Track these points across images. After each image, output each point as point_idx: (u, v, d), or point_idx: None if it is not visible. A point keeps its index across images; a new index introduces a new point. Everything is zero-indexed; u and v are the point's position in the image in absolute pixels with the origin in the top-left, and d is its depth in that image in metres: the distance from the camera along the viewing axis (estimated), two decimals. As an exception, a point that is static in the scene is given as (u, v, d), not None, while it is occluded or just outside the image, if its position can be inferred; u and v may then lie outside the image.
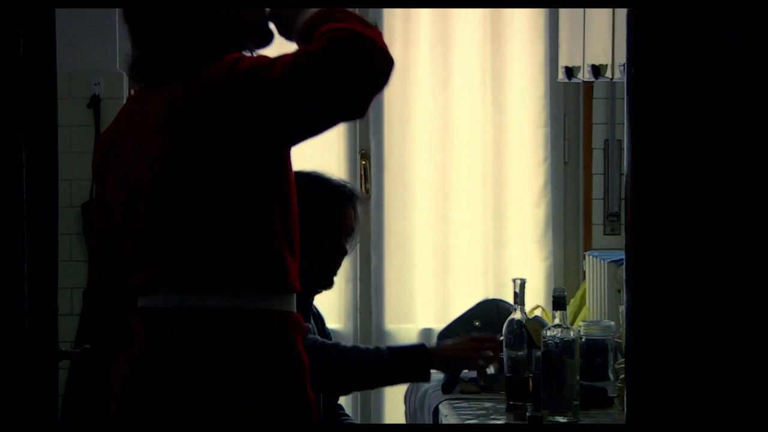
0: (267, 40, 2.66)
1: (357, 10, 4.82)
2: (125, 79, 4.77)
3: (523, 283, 3.56)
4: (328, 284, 3.50)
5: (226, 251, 2.52)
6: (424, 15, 4.95)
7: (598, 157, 4.96)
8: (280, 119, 2.48)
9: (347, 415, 3.81)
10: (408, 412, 4.11)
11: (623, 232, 2.31)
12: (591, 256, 4.48)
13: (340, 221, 3.47)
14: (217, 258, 2.52)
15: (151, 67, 2.61)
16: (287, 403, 2.55)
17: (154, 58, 2.60)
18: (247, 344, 2.52)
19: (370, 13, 4.94)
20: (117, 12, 4.77)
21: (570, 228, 5.06)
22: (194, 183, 2.51)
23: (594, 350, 3.56)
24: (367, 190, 4.95)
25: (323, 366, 3.20)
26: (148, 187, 2.54)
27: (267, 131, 2.50)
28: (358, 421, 4.91)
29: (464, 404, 3.57)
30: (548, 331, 3.39)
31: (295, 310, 2.59)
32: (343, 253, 3.50)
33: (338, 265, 3.50)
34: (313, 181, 3.45)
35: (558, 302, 3.42)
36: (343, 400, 4.20)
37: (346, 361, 3.31)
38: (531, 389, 3.38)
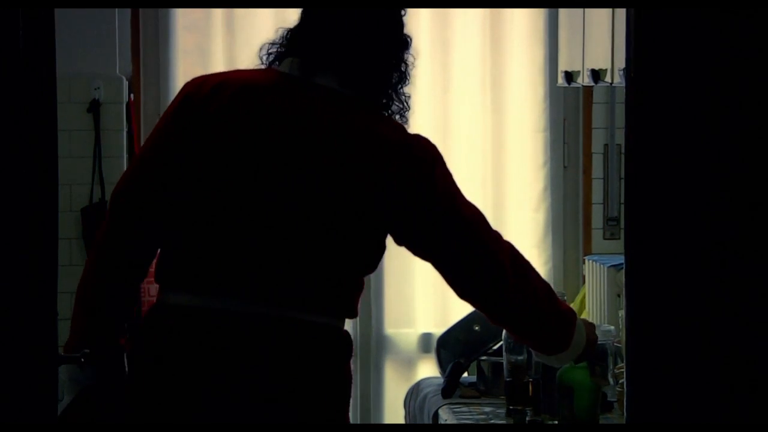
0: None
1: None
2: (125, 84, 4.77)
3: (522, 287, 3.55)
4: None
5: (326, 277, 2.63)
6: (424, 19, 4.95)
7: (597, 161, 4.96)
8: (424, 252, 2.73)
9: None
10: (408, 416, 4.11)
11: (623, 237, 2.31)
12: (591, 261, 4.48)
13: None
14: (316, 281, 2.62)
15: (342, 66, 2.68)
16: (330, 413, 2.64)
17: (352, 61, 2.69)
18: (326, 357, 2.64)
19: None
20: (117, 17, 4.77)
21: (569, 232, 5.05)
22: (334, 214, 2.60)
23: (594, 354, 3.56)
24: (367, 195, 4.95)
25: None
26: (293, 194, 2.59)
27: (408, 239, 2.72)
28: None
29: (464, 408, 3.57)
30: (548, 335, 3.39)
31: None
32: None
33: None
34: None
35: (558, 307, 3.42)
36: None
37: None
38: (531, 394, 3.38)
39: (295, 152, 2.60)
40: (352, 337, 4.96)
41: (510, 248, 2.75)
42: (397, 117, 2.74)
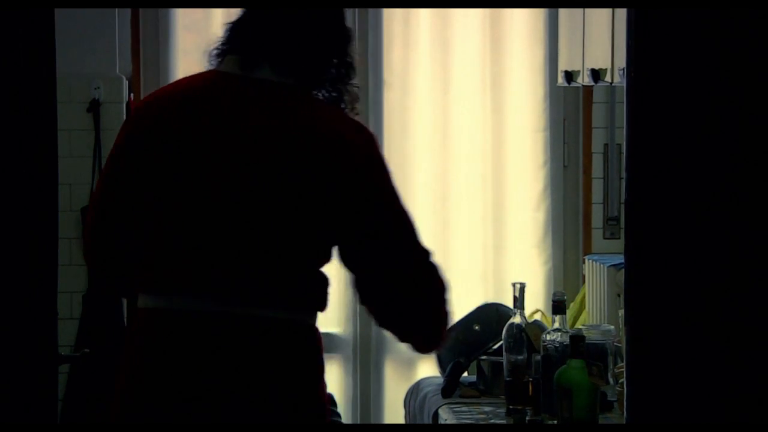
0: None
1: (356, 11, 4.87)
2: (125, 84, 4.77)
3: (522, 287, 3.56)
4: None
5: (282, 271, 2.62)
6: (424, 19, 4.95)
7: (597, 161, 4.96)
8: (357, 252, 2.69)
9: (338, 414, 3.81)
10: (408, 416, 4.11)
11: (623, 236, 2.31)
12: (590, 260, 4.48)
13: None
14: (276, 276, 2.62)
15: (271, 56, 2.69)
16: (305, 409, 2.63)
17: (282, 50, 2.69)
18: (289, 353, 2.63)
19: (370, 14, 4.94)
20: (117, 17, 4.78)
21: (570, 232, 5.05)
22: (282, 207, 2.60)
23: (594, 354, 3.57)
24: (367, 194, 4.95)
25: None
26: (239, 192, 2.61)
27: (341, 236, 2.68)
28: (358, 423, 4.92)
29: (464, 408, 3.57)
30: (548, 335, 3.39)
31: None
32: None
33: None
34: None
35: (558, 306, 3.43)
36: (342, 401, 4.22)
37: None
38: (531, 393, 3.38)
39: (236, 150, 2.61)
40: (352, 337, 5.03)
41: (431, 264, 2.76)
42: (348, 109, 2.76)
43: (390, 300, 2.71)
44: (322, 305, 2.70)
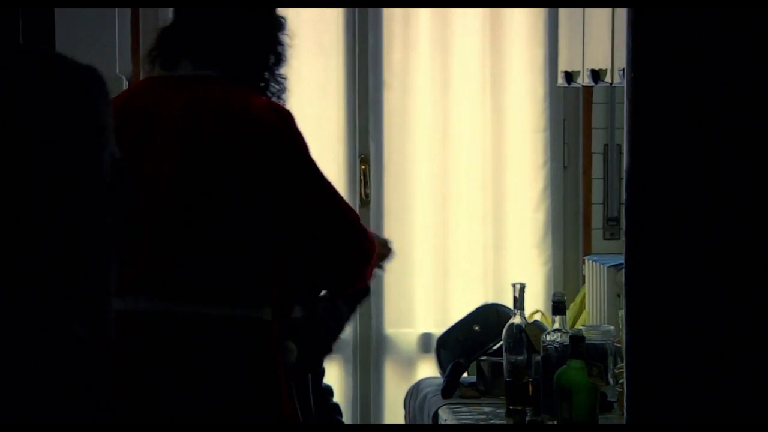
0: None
1: (356, 11, 4.87)
2: (125, 84, 4.76)
3: (522, 287, 3.56)
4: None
5: (225, 264, 2.65)
6: (424, 19, 4.95)
7: (597, 161, 4.96)
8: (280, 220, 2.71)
9: (339, 413, 3.81)
10: (408, 416, 4.11)
11: (623, 237, 2.31)
12: (590, 261, 4.48)
13: None
14: (216, 270, 2.65)
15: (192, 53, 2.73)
16: (262, 407, 2.63)
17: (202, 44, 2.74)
18: (233, 350, 2.64)
19: (370, 14, 4.93)
20: (117, 17, 4.77)
21: (569, 232, 5.05)
22: (208, 197, 2.65)
23: (594, 355, 3.56)
24: (367, 195, 4.95)
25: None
26: (166, 187, 2.62)
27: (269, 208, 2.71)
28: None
29: (464, 409, 3.57)
30: (548, 335, 3.39)
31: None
32: None
33: None
34: None
35: (557, 307, 3.43)
36: (342, 402, 4.21)
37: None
38: (530, 394, 3.38)
39: (161, 149, 2.68)
40: (352, 337, 5.02)
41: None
42: (275, 98, 2.79)
43: (315, 252, 2.74)
44: (271, 300, 2.70)
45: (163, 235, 2.65)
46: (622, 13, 3.66)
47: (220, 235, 2.63)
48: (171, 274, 2.64)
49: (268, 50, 2.76)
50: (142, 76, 4.76)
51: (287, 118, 2.70)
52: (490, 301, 4.60)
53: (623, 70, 3.70)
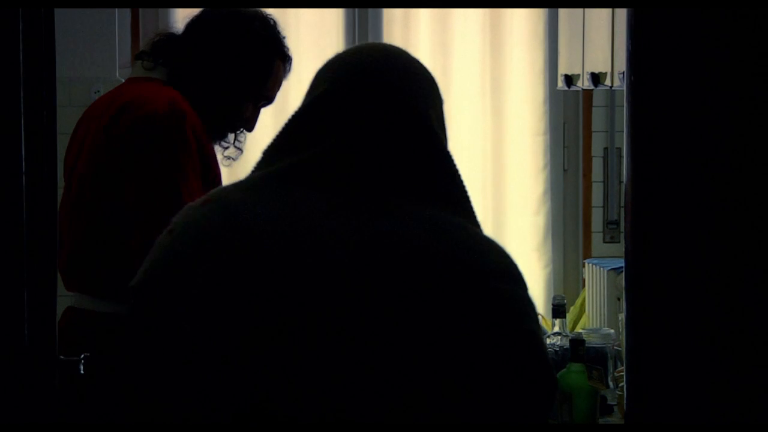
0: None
1: (356, 11, 4.87)
2: (125, 86, 4.77)
3: (522, 290, 3.55)
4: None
5: (113, 259, 2.78)
6: (424, 22, 4.95)
7: (597, 164, 4.96)
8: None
9: None
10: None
11: (623, 240, 2.31)
12: (590, 264, 4.48)
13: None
14: (106, 266, 2.79)
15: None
16: None
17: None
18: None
19: (370, 15, 4.93)
20: (117, 18, 4.77)
21: (569, 236, 5.05)
22: (100, 187, 2.80)
23: (594, 358, 3.56)
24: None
25: None
26: (78, 182, 2.86)
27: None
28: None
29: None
30: (548, 338, 3.39)
31: None
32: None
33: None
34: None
35: (557, 310, 3.42)
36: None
37: None
38: (530, 397, 3.37)
39: (84, 147, 2.92)
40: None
41: None
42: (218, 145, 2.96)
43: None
44: (111, 289, 2.80)
45: (76, 230, 2.82)
46: (621, 17, 3.66)
47: (109, 228, 2.76)
48: (82, 271, 2.80)
49: (238, 97, 2.88)
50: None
51: (179, 116, 2.78)
52: (490, 303, 4.59)
53: (623, 73, 3.70)
